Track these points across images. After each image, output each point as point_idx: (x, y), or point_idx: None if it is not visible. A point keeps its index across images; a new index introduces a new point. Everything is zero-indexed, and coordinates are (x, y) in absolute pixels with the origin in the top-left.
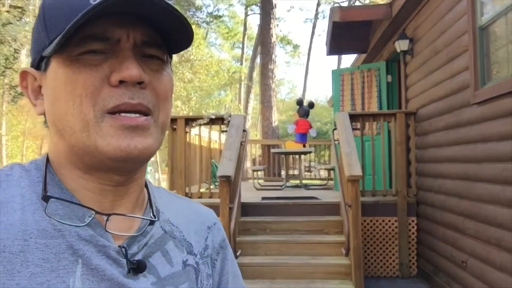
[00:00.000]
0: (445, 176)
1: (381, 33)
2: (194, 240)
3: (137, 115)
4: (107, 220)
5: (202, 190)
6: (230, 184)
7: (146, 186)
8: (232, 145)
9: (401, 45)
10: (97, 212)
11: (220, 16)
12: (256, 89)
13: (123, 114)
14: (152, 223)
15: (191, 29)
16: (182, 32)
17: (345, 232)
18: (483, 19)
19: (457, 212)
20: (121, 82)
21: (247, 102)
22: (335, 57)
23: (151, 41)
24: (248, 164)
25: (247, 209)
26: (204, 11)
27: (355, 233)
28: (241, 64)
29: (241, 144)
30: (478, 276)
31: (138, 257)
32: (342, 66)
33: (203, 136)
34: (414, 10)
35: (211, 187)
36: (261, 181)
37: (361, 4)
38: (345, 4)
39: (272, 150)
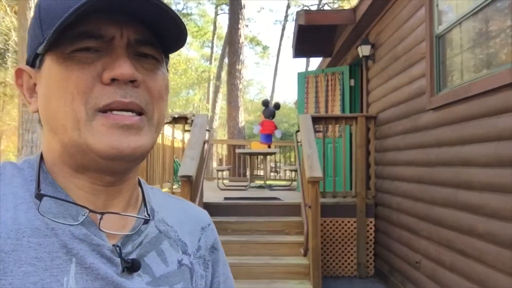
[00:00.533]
0: (402, 179)
1: (345, 38)
2: (189, 240)
3: (130, 113)
4: (101, 218)
5: (164, 190)
6: (191, 184)
7: (140, 185)
8: (195, 145)
9: (363, 50)
10: (90, 211)
11: (189, 14)
12: (224, 89)
13: (115, 112)
14: (146, 222)
15: (185, 28)
16: (175, 31)
17: (305, 233)
18: (440, 27)
19: (412, 214)
20: (113, 80)
21: (215, 101)
22: (304, 59)
23: (145, 39)
24: (214, 164)
25: (209, 209)
26: (173, 9)
27: (314, 234)
28: (210, 63)
29: (204, 143)
30: (430, 276)
31: (133, 256)
32: (310, 69)
33: (166, 135)
34: (376, 16)
35: (174, 186)
36: (226, 181)
37: (329, 8)
38: (315, 7)
39: (237, 150)
